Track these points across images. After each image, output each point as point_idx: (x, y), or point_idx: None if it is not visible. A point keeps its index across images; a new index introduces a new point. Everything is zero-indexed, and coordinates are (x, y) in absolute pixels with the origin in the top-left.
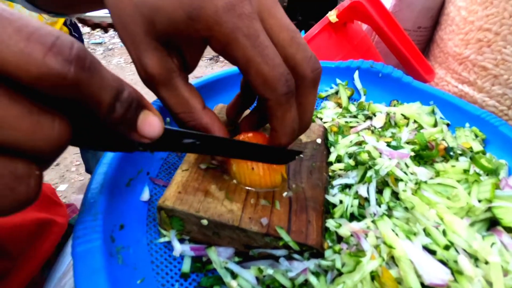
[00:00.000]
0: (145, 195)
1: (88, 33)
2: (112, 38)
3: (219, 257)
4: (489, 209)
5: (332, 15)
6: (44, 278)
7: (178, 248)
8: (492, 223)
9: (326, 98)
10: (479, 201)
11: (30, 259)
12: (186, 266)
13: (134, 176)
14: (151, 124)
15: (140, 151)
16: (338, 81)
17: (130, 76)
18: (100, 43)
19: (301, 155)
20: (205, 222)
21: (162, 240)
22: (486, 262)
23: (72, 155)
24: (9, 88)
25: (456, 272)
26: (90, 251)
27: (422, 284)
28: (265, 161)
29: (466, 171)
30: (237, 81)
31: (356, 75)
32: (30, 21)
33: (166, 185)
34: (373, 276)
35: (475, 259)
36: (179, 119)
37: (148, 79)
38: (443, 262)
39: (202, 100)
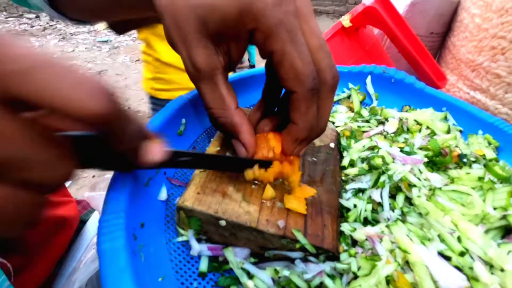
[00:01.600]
0: (163, 195)
1: (95, 31)
2: (118, 36)
3: (236, 257)
4: (504, 217)
5: (345, 20)
6: (55, 273)
7: (196, 247)
8: (507, 231)
9: (338, 102)
10: (494, 208)
11: (46, 255)
12: (203, 266)
13: (153, 175)
14: (154, 149)
15: (137, 168)
16: (350, 85)
17: (134, 74)
18: (106, 41)
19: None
20: (223, 223)
21: (180, 239)
22: (502, 270)
23: None
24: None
25: (471, 278)
26: (115, 249)
27: None
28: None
29: (481, 179)
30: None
31: (368, 80)
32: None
33: (182, 185)
34: (388, 280)
35: (490, 266)
36: (211, 114)
37: (194, 74)
38: (459, 269)
39: (237, 100)
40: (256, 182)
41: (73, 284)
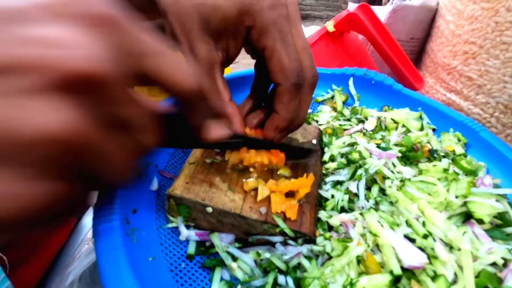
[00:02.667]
0: (154, 185)
1: None
2: None
3: (222, 242)
4: (465, 204)
5: (329, 25)
6: (50, 267)
7: (185, 233)
8: (467, 217)
9: (322, 102)
10: (456, 197)
11: (44, 252)
12: (191, 249)
13: (144, 167)
14: (218, 127)
15: (204, 148)
16: (334, 86)
17: None
18: None
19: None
20: (210, 209)
21: (170, 225)
22: (459, 249)
23: None
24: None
25: (432, 257)
26: (110, 230)
27: (401, 267)
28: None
29: (445, 170)
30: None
31: (350, 81)
32: (180, 56)
33: (173, 177)
34: (359, 260)
35: (450, 247)
36: (212, 109)
37: (194, 66)
38: (421, 249)
39: (230, 94)
40: (241, 167)
41: (67, 278)
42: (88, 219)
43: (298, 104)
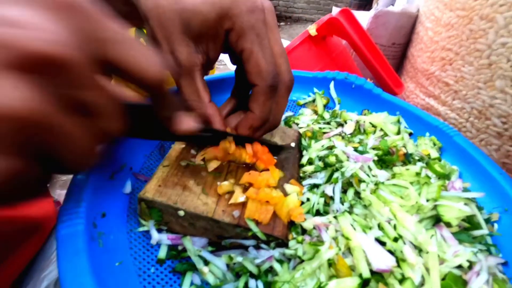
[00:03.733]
0: (127, 188)
1: None
2: None
3: (194, 246)
4: (435, 207)
5: (312, 29)
6: (24, 271)
7: (156, 236)
8: (437, 220)
9: (304, 105)
10: (427, 200)
11: (18, 257)
12: (162, 253)
13: (117, 170)
14: (187, 120)
15: (172, 140)
16: (315, 90)
17: None
18: None
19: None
20: (181, 213)
21: (141, 229)
22: (427, 252)
23: None
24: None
25: (400, 260)
26: (73, 234)
27: (371, 270)
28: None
29: (418, 174)
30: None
31: (331, 85)
32: (145, 45)
33: (148, 180)
34: (330, 263)
35: (419, 250)
36: (188, 105)
37: (175, 69)
38: (391, 252)
39: (210, 95)
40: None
41: (41, 282)
42: None
43: (273, 105)
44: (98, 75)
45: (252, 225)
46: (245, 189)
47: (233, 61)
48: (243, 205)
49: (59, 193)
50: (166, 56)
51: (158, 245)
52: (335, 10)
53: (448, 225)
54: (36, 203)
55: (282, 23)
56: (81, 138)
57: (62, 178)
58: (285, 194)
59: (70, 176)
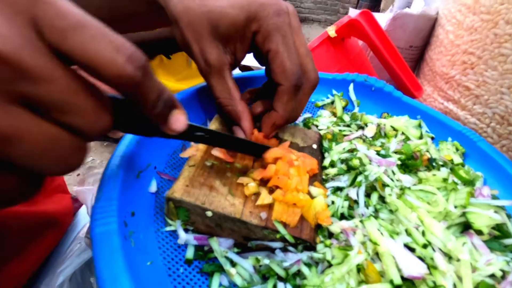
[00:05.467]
0: (153, 187)
1: None
2: None
3: (220, 246)
4: (464, 214)
5: (331, 31)
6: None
7: (183, 236)
8: (465, 227)
9: (322, 107)
10: (455, 207)
11: (33, 252)
12: (189, 253)
13: (143, 169)
14: (179, 120)
15: (160, 137)
16: (334, 92)
17: None
18: None
19: None
20: (209, 213)
21: (168, 228)
22: (458, 260)
23: None
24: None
25: (431, 267)
26: (107, 233)
27: (401, 277)
28: (250, 154)
29: (445, 180)
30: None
31: (351, 87)
32: (117, 36)
33: (171, 179)
34: (359, 268)
35: (449, 257)
36: (219, 103)
37: (206, 69)
38: (421, 259)
39: (240, 93)
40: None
41: (58, 278)
42: (79, 218)
43: (295, 104)
44: (56, 66)
45: (280, 228)
46: (271, 190)
47: (261, 63)
48: (270, 206)
49: (77, 190)
50: (197, 58)
51: (185, 245)
52: (353, 12)
53: (479, 232)
54: (52, 200)
55: None
56: (37, 136)
57: (78, 174)
58: (310, 196)
59: (86, 173)
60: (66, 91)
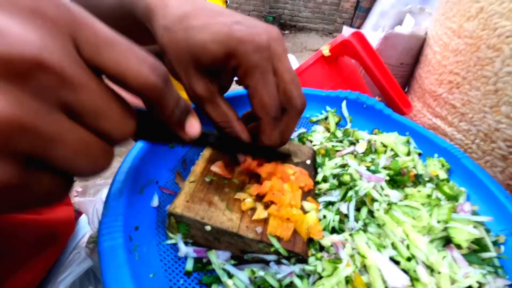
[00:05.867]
0: (155, 202)
1: None
2: None
3: (218, 259)
4: (445, 229)
5: (325, 50)
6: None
7: (184, 249)
8: (447, 241)
9: (316, 122)
10: (438, 222)
11: (37, 263)
12: (189, 266)
13: (146, 184)
14: (194, 126)
15: (183, 144)
16: (327, 108)
17: None
18: None
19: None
20: (208, 228)
21: (169, 242)
22: (439, 272)
23: None
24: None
25: (414, 279)
26: (114, 247)
27: None
28: (260, 156)
29: (429, 196)
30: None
31: (343, 104)
32: (141, 50)
33: (173, 193)
34: (348, 280)
35: (431, 270)
36: (219, 127)
37: (196, 99)
38: (405, 271)
39: (235, 113)
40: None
41: (58, 287)
42: (79, 228)
43: (281, 131)
44: (92, 77)
45: (274, 241)
46: (266, 205)
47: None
48: (265, 221)
49: (78, 201)
50: (186, 88)
51: (185, 257)
52: (347, 31)
53: (459, 247)
54: (57, 211)
55: (286, 32)
56: (74, 140)
57: (79, 187)
58: (303, 211)
59: (88, 183)
60: (99, 99)
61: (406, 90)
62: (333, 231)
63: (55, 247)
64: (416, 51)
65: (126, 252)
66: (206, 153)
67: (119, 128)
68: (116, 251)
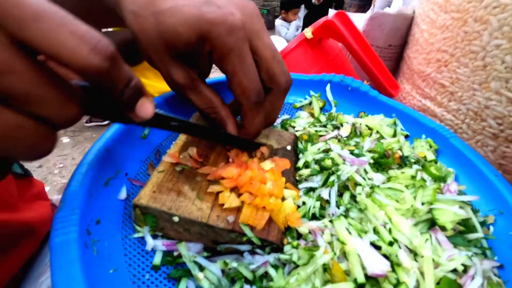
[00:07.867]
0: (122, 194)
1: None
2: None
3: (189, 251)
4: (430, 210)
5: (307, 32)
6: (22, 277)
7: (151, 243)
8: (432, 223)
9: (300, 108)
10: (422, 203)
11: (9, 260)
12: (157, 259)
13: (112, 176)
14: (144, 108)
15: (136, 125)
16: (311, 92)
17: None
18: None
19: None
20: (176, 219)
21: (136, 235)
22: (422, 256)
23: (55, 157)
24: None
25: (396, 264)
26: (66, 242)
27: (366, 275)
28: (235, 146)
29: (413, 177)
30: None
31: (328, 88)
32: (81, 24)
33: (143, 185)
34: (325, 268)
35: (414, 254)
36: (204, 113)
37: (176, 87)
38: (386, 256)
39: (221, 98)
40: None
41: (40, 287)
42: None
43: (263, 118)
44: (20, 58)
45: (246, 230)
46: (239, 194)
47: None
48: (238, 209)
49: (57, 198)
50: (165, 76)
51: (154, 251)
52: (331, 13)
53: (443, 228)
54: (33, 206)
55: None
56: (2, 124)
57: (61, 182)
58: (282, 198)
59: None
60: (28, 83)
61: (395, 72)
62: (314, 218)
63: (30, 243)
64: (404, 31)
65: (81, 247)
66: (179, 142)
67: (57, 112)
68: (69, 246)
